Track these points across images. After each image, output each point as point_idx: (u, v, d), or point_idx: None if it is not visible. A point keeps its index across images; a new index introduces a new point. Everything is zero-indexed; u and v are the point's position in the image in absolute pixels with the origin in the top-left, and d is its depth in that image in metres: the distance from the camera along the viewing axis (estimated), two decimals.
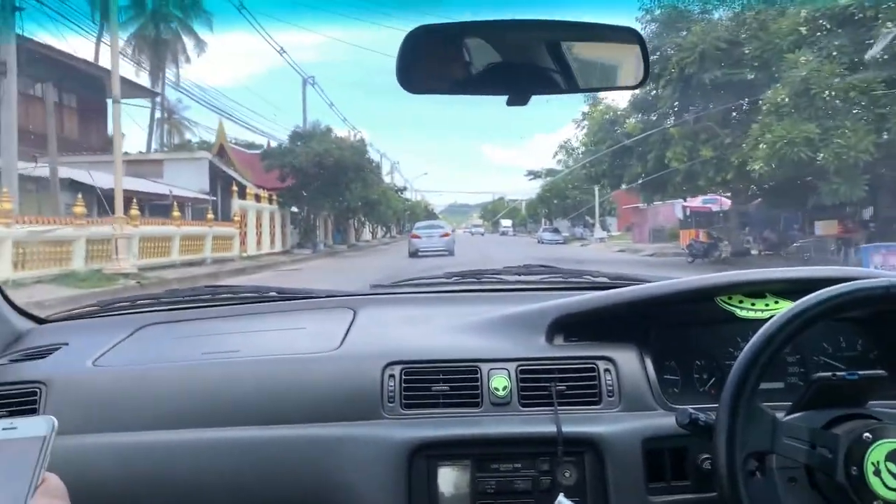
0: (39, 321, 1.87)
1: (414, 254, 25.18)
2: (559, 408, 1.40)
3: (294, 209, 30.67)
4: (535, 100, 1.05)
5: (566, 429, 1.36)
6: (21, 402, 1.44)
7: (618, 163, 25.26)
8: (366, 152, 32.16)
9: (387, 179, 52.84)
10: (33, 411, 1.42)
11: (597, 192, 42.47)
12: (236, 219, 24.39)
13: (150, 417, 1.42)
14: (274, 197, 28.18)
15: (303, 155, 27.34)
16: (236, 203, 24.82)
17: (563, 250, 33.76)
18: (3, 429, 0.72)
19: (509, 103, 1.03)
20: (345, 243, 36.36)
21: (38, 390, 1.45)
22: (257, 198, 26.84)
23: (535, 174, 72.62)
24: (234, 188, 25.22)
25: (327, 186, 28.62)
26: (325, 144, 28.09)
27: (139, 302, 1.99)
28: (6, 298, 1.76)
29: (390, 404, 1.42)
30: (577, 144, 37.49)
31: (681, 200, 32.01)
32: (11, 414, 1.42)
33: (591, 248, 38.66)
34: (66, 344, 1.67)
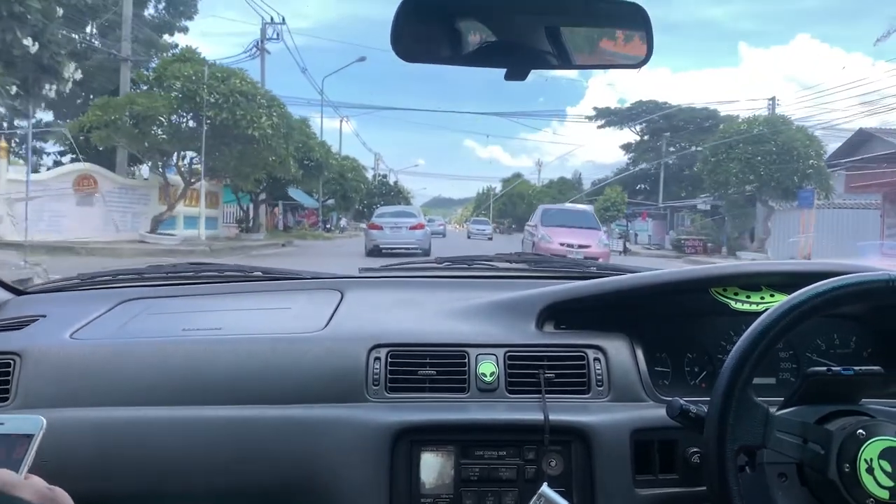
0: (17, 292, 1.83)
1: (373, 251, 18.73)
2: (547, 396, 1.38)
3: None
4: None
5: (553, 417, 1.33)
6: None
7: None
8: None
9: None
10: (6, 383, 1.38)
11: None
12: None
13: (128, 392, 1.38)
14: None
15: None
16: None
17: None
18: None
19: (508, 77, 1.00)
20: None
21: (11, 362, 1.41)
22: None
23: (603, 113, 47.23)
24: None
25: None
26: None
27: (121, 276, 1.95)
28: None
29: (375, 387, 1.39)
30: None
31: None
32: None
33: None
34: (44, 316, 1.63)
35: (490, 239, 39.09)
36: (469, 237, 41.74)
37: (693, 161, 36.13)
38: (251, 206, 29.42)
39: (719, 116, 39.99)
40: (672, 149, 39.63)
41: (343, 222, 37.64)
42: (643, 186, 42.55)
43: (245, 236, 26.04)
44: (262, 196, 29.47)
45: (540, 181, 71.67)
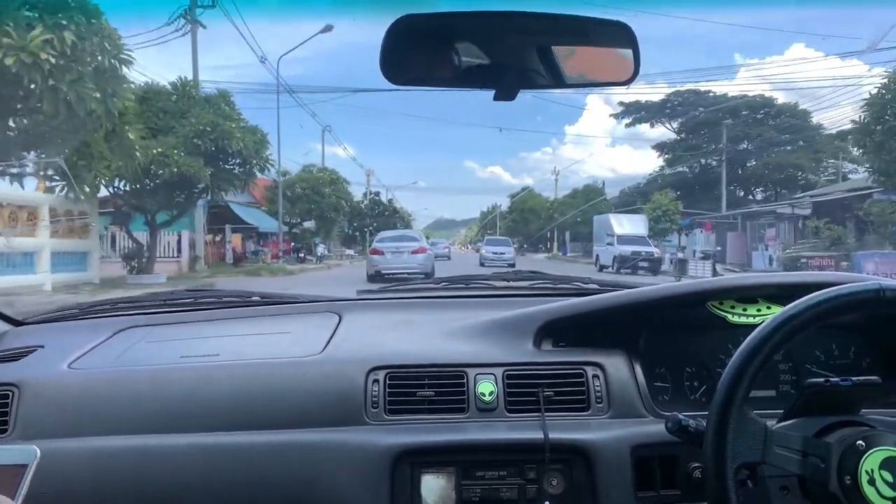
0: (15, 323, 1.83)
1: (375, 276, 18.04)
2: (546, 414, 1.37)
3: None
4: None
5: (553, 435, 1.33)
6: None
7: None
8: None
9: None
10: (5, 415, 1.38)
11: None
12: None
13: (127, 421, 1.38)
14: None
15: None
16: None
17: None
18: None
19: (496, 98, 1.01)
20: None
21: (10, 393, 1.41)
22: None
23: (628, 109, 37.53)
24: None
25: None
26: None
27: (119, 305, 1.95)
28: None
29: (374, 410, 1.38)
30: None
31: None
32: None
33: None
34: (42, 346, 1.63)
35: (512, 266, 25.95)
36: (482, 263, 28.92)
37: (747, 158, 27.81)
38: (149, 232, 18.30)
39: (775, 104, 34.06)
40: (713, 146, 31.84)
41: (321, 249, 27.88)
42: (679, 193, 34.82)
43: (134, 279, 16.75)
44: (166, 217, 18.45)
45: (557, 192, 59.96)
